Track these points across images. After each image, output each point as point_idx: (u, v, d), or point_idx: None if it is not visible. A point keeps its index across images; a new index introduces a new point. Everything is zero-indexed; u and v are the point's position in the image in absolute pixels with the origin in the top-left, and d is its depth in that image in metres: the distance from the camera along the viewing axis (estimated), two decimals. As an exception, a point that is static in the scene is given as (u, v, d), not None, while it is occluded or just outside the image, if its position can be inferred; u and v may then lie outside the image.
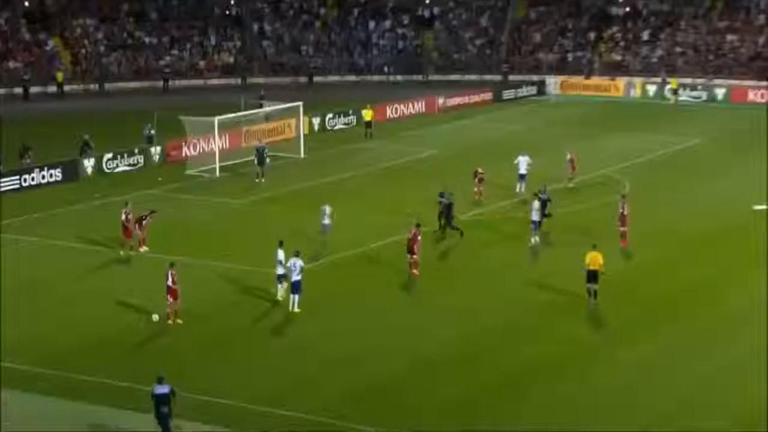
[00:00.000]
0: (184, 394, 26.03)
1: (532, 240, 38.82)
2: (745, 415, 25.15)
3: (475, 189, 45.54)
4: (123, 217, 38.79)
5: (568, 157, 47.94)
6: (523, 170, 46.17)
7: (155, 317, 31.56)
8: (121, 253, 38.58)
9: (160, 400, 24.05)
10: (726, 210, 44.23)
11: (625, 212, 37.91)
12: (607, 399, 26.46)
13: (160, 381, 24.35)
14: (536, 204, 38.75)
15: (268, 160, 50.21)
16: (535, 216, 38.58)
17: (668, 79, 75.64)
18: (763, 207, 44.25)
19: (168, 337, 30.90)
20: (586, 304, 32.42)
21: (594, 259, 32.22)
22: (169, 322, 31.56)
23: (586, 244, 33.77)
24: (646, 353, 29.22)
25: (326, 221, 38.91)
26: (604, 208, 43.00)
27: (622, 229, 37.88)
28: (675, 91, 73.81)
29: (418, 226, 35.65)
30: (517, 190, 45.52)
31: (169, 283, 31.46)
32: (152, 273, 36.98)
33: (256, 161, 50.34)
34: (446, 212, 39.75)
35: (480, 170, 45.78)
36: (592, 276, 32.05)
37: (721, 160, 54.68)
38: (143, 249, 38.97)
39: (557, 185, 46.09)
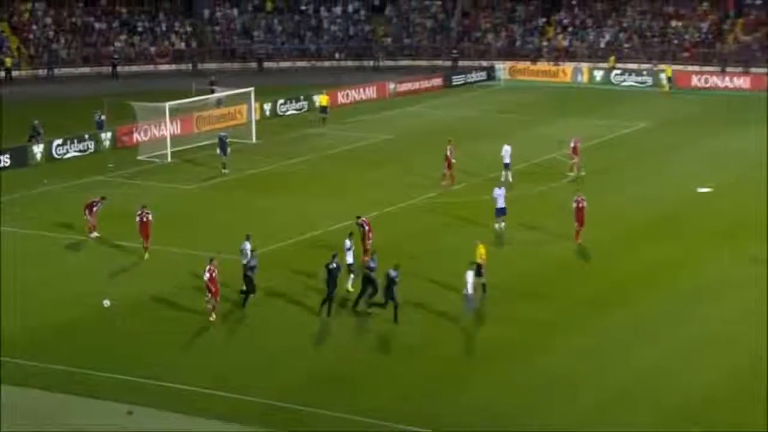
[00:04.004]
0: (143, 381, 25.91)
1: (497, 226, 38.51)
2: (674, 409, 24.74)
3: (445, 172, 45.32)
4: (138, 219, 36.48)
5: (572, 144, 47.50)
6: (507, 159, 45.81)
7: (106, 303, 31.19)
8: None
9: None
10: (672, 193, 44.59)
11: (581, 206, 36.70)
12: (551, 383, 26.49)
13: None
14: (500, 191, 38.53)
15: (229, 149, 49.78)
16: (500, 203, 38.36)
17: (662, 67, 75.43)
18: (708, 189, 44.75)
19: (121, 322, 30.54)
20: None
21: (480, 253, 31.88)
22: (211, 318, 30.37)
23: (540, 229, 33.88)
24: (593, 339, 29.31)
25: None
26: (554, 192, 43.31)
27: (577, 226, 36.89)
28: (669, 79, 73.76)
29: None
30: (503, 179, 44.96)
31: (207, 278, 30.10)
32: (103, 258, 36.73)
33: (219, 150, 49.74)
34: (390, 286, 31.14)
35: (450, 148, 45.41)
36: (479, 269, 31.52)
37: (666, 143, 55.13)
38: (94, 234, 38.56)
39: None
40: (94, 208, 38.61)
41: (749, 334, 28.92)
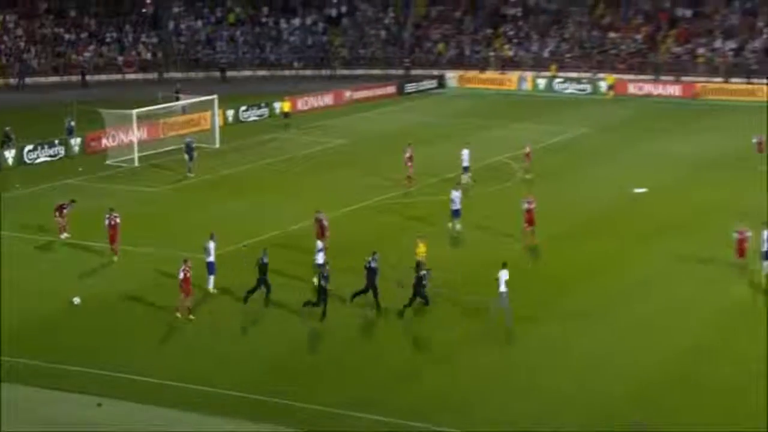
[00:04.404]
0: (112, 374, 25.84)
1: (452, 226, 38.40)
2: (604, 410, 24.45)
3: (407, 173, 45.32)
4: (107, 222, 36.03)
5: (526, 150, 47.78)
6: (466, 162, 45.94)
7: (76, 300, 31.01)
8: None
9: None
10: (610, 194, 44.96)
11: (531, 207, 36.68)
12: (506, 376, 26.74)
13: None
14: (457, 194, 38.58)
15: (195, 153, 49.60)
16: (456, 205, 38.37)
17: (603, 76, 75.99)
18: (643, 190, 45.29)
19: (91, 319, 30.39)
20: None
21: (420, 250, 31.87)
22: (178, 315, 30.18)
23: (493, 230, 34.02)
24: (538, 331, 29.60)
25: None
26: (501, 193, 43.61)
27: (527, 227, 36.91)
28: (611, 87, 74.39)
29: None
30: (463, 181, 44.86)
31: (181, 277, 29.87)
32: (73, 258, 36.50)
33: (185, 155, 49.40)
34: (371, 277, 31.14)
35: (410, 151, 45.41)
36: (418, 265, 31.46)
37: (604, 147, 55.65)
38: (64, 235, 38.30)
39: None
40: (65, 210, 38.39)
41: (678, 325, 29.41)
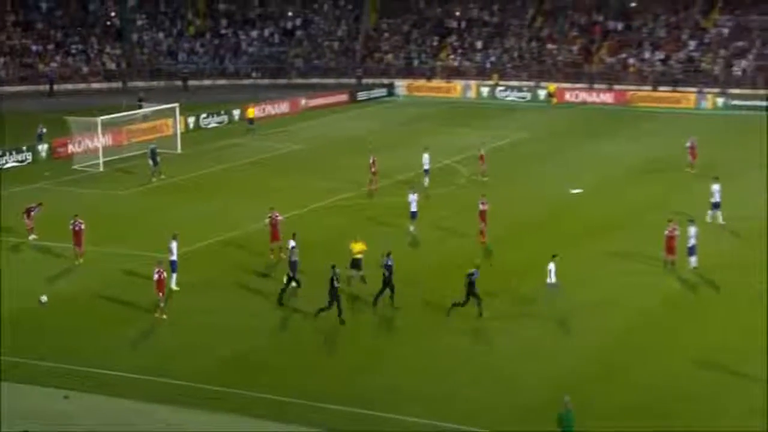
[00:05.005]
0: (78, 368, 25.43)
1: (411, 228, 38.25)
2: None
3: (371, 178, 45.10)
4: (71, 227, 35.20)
5: (481, 153, 47.71)
6: (427, 166, 45.70)
7: (43, 299, 30.47)
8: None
9: None
10: (549, 194, 45.17)
11: (484, 209, 36.69)
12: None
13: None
14: (414, 197, 38.34)
15: (158, 158, 49.03)
16: (413, 207, 38.12)
17: (545, 84, 76.51)
18: (579, 191, 45.60)
19: (57, 317, 29.87)
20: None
21: (356, 248, 31.70)
22: (156, 315, 29.63)
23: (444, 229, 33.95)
24: (482, 321, 29.70)
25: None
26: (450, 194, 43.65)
27: (481, 226, 36.77)
28: (551, 94, 74.88)
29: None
30: (425, 184, 44.89)
31: (156, 278, 29.33)
32: (41, 259, 35.92)
33: (149, 160, 48.71)
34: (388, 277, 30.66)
35: (373, 157, 45.29)
36: (355, 263, 31.39)
37: (543, 151, 55.98)
38: (32, 237, 37.65)
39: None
40: (32, 213, 37.78)
41: (608, 318, 29.59)
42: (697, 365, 26.05)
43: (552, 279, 29.86)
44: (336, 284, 28.61)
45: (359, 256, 31.69)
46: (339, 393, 24.53)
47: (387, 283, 29.98)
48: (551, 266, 29.96)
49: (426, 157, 45.98)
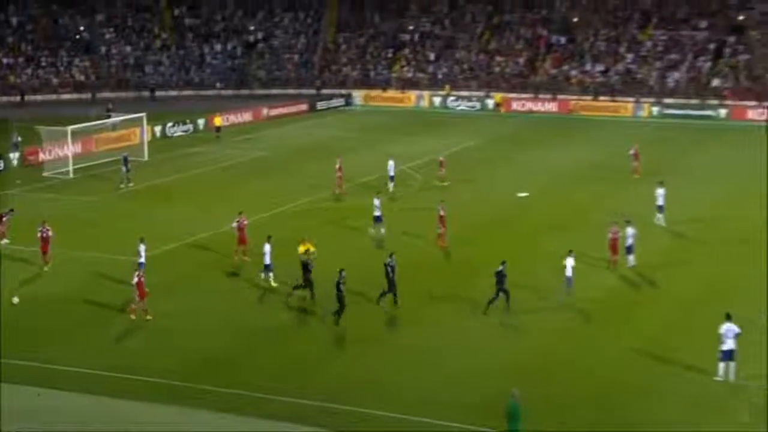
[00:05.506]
0: (51, 366, 25.07)
1: (373, 231, 37.72)
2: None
3: (337, 182, 44.95)
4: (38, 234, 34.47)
5: (440, 159, 47.70)
6: (392, 172, 45.48)
7: (15, 300, 30.01)
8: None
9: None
10: (497, 198, 45.34)
11: (443, 213, 36.40)
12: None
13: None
14: (377, 202, 38.08)
15: (129, 165, 48.54)
16: (377, 211, 37.83)
17: (493, 94, 76.83)
18: (525, 194, 45.92)
19: (31, 317, 29.43)
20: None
21: (302, 249, 31.50)
22: (132, 317, 28.99)
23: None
24: (432, 313, 29.72)
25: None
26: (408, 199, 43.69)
27: (441, 230, 36.53)
28: (498, 104, 75.18)
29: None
30: (390, 189, 44.69)
31: (135, 282, 28.82)
32: (12, 262, 35.38)
33: (123, 167, 48.20)
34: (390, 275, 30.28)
35: (340, 163, 45.05)
36: (304, 266, 31.02)
37: (492, 157, 56.29)
38: (4, 242, 37.09)
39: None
40: (4, 219, 37.23)
41: (555, 312, 29.84)
42: (636, 356, 26.31)
43: (569, 273, 30.32)
44: (342, 287, 28.34)
45: (305, 257, 31.51)
46: (296, 387, 24.40)
47: (390, 282, 29.87)
48: (569, 261, 30.40)
49: (391, 163, 45.96)
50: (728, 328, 24.45)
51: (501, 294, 29.19)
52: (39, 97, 79.10)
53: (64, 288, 32.13)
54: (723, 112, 70.63)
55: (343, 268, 28.81)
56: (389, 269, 29.81)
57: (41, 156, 53.30)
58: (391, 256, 30.29)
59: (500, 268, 29.38)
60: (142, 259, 31.82)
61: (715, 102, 72.10)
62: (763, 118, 68.55)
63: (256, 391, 24.12)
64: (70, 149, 52.09)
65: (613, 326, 28.82)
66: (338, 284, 28.36)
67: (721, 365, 24.38)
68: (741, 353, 24.49)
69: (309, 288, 30.35)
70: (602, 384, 24.70)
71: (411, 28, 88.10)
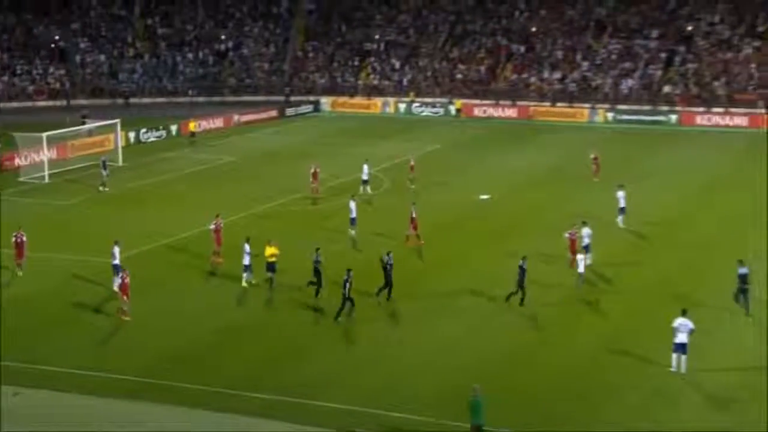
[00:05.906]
0: (28, 366, 24.62)
1: (352, 232, 37.49)
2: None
3: (312, 185, 44.65)
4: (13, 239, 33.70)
5: (411, 162, 47.55)
6: (365, 176, 45.26)
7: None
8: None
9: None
10: (459, 200, 45.13)
11: (414, 215, 36.22)
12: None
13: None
14: (353, 204, 37.78)
15: (107, 170, 47.94)
16: (353, 213, 37.49)
17: (454, 100, 76.97)
18: (486, 197, 45.95)
19: (8, 317, 28.88)
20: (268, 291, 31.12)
21: (269, 251, 31.17)
22: (120, 317, 28.59)
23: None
24: (409, 307, 29.59)
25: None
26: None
27: (412, 231, 36.29)
28: (458, 110, 75.19)
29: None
30: (361, 191, 44.36)
31: (119, 283, 28.53)
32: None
33: (102, 170, 47.66)
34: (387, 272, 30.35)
35: (316, 168, 44.79)
36: (270, 266, 30.93)
37: (455, 161, 56.27)
38: (-18, 245, 36.38)
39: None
40: (-19, 223, 36.44)
41: (519, 310, 29.85)
42: (596, 350, 26.43)
43: (581, 269, 30.99)
44: (348, 286, 28.15)
45: (273, 259, 31.24)
46: (268, 382, 24.18)
47: (387, 279, 29.81)
48: (580, 258, 31.14)
49: (365, 167, 45.74)
50: (682, 323, 24.71)
51: (520, 290, 29.34)
52: (14, 104, 77.94)
53: (41, 289, 31.60)
54: (673, 117, 71.42)
55: (351, 268, 28.71)
56: (387, 266, 29.77)
57: (17, 161, 52.52)
58: (388, 254, 30.29)
59: (521, 262, 29.49)
60: (116, 261, 31.35)
61: (665, 108, 72.91)
62: (711, 123, 69.63)
63: (229, 387, 23.86)
64: (46, 155, 51.41)
65: (573, 323, 28.88)
66: (345, 283, 28.17)
67: (674, 356, 24.66)
68: (693, 346, 24.69)
69: (317, 285, 30.25)
70: (564, 378, 24.70)
71: (377, 37, 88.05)
